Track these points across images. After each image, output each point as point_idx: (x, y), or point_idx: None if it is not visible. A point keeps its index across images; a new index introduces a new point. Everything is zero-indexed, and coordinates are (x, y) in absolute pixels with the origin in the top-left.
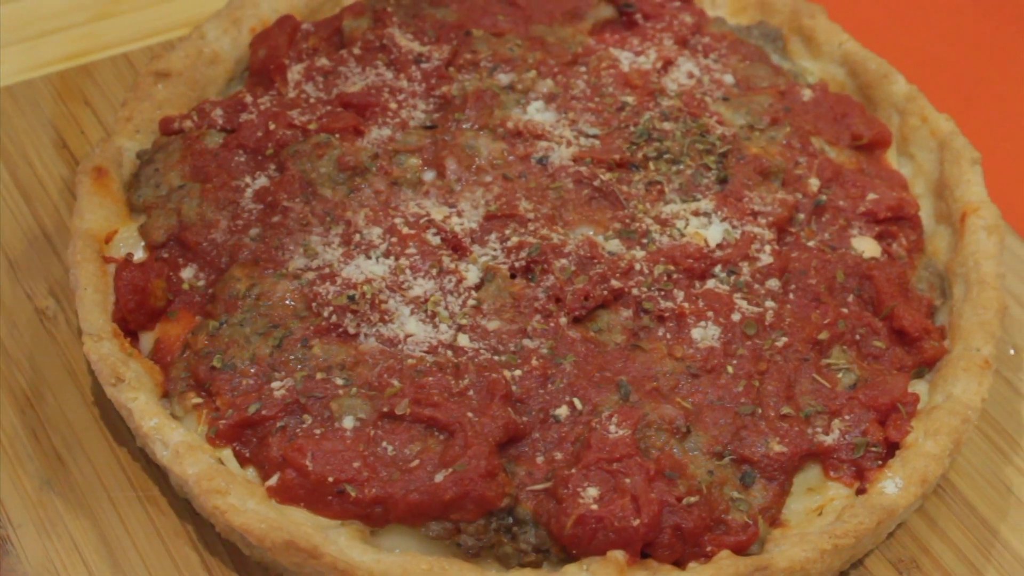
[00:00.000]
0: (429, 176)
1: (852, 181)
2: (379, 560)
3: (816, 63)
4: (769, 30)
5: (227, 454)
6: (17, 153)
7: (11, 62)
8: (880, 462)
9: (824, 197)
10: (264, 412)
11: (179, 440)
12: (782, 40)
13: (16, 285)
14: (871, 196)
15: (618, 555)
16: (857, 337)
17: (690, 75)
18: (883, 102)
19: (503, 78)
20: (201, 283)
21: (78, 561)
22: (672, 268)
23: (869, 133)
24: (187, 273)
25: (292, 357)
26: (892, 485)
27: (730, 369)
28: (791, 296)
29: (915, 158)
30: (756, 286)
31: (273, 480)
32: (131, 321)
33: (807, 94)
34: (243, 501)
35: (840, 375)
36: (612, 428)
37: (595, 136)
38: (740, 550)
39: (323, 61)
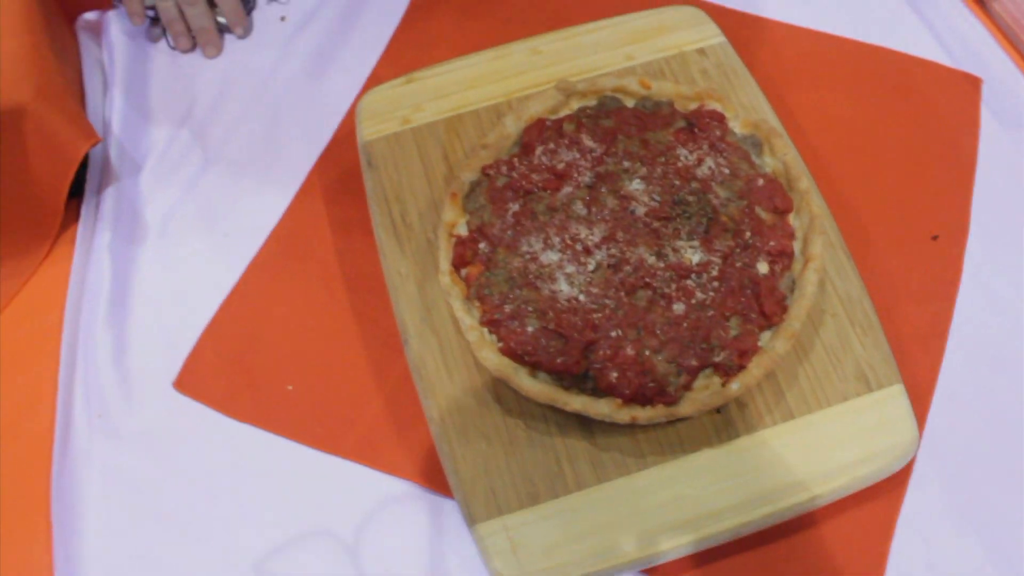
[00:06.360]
0: (584, 212)
1: (767, 232)
2: (532, 384)
3: (772, 161)
4: (756, 140)
5: (486, 331)
6: (427, 160)
7: (429, 111)
8: (735, 373)
9: (751, 242)
10: (499, 317)
11: (469, 322)
12: (759, 147)
13: (421, 227)
14: (772, 242)
15: (617, 400)
16: (745, 312)
17: (709, 168)
18: (795, 189)
19: (626, 163)
20: (486, 250)
21: (437, 354)
22: (672, 273)
23: (783, 206)
24: (482, 246)
25: (514, 294)
26: (735, 386)
27: (685, 324)
28: (721, 290)
29: (800, 222)
30: (706, 284)
31: (500, 346)
32: (457, 266)
33: (760, 182)
34: (488, 353)
35: (732, 331)
36: (628, 349)
37: (656, 200)
38: (670, 404)
39: (551, 145)
